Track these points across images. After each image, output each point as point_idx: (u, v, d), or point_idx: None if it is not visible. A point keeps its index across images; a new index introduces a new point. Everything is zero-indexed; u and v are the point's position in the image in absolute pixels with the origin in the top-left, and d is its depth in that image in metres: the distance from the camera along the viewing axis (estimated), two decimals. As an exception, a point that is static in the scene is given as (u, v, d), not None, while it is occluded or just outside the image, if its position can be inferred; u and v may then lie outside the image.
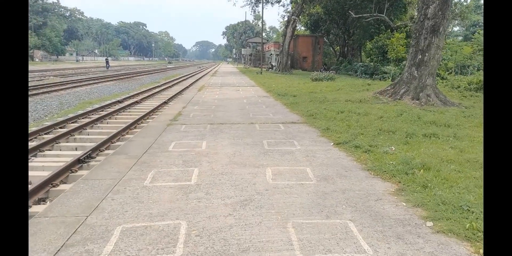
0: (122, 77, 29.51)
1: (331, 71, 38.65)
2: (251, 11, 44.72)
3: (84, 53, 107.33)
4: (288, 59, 36.89)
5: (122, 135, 7.36)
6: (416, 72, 10.96)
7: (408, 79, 11.15)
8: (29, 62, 62.48)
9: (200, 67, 62.03)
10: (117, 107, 12.30)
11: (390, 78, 23.70)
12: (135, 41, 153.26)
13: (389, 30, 31.31)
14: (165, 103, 13.23)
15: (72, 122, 9.06)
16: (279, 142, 5.71)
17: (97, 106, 12.56)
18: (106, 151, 6.20)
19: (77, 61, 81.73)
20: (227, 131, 6.58)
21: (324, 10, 44.09)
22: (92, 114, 10.65)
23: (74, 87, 19.45)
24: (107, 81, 25.03)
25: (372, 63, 33.82)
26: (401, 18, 35.21)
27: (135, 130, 7.96)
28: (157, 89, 18.92)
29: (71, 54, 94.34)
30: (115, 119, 10.19)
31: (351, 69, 35.69)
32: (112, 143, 6.69)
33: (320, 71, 46.41)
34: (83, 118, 9.92)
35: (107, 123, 9.43)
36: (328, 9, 43.44)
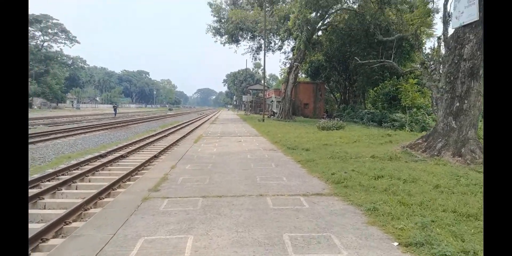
0: (117, 125, 27.92)
1: (335, 119, 37.16)
2: (252, 59, 44.78)
3: (85, 101, 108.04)
4: (290, 106, 35.75)
5: (66, 224, 5.05)
6: (454, 122, 9.12)
7: (445, 131, 9.27)
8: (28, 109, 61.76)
9: (200, 114, 61.21)
10: (96, 163, 10.34)
11: (408, 127, 21.99)
12: (137, 88, 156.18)
13: (395, 76, 30.52)
14: (155, 157, 11.24)
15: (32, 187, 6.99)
16: (310, 240, 3.57)
17: (74, 162, 10.61)
18: None
19: (76, 108, 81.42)
20: (227, 213, 4.48)
21: (325, 58, 44.22)
22: (62, 174, 8.63)
23: (60, 137, 17.60)
24: (99, 130, 23.32)
25: (377, 110, 32.56)
26: (405, 64, 34.78)
27: (92, 211, 5.72)
28: (151, 139, 17.11)
29: (72, 102, 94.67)
30: (87, 181, 8.12)
31: (356, 116, 34.33)
32: (43, 241, 4.39)
33: (323, 118, 45.37)
34: (47, 181, 7.86)
35: (77, 188, 7.32)
36: (329, 57, 43.55)
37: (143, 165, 9.66)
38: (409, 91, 21.26)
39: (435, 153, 8.98)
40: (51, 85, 77.52)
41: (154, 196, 5.29)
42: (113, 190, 7.04)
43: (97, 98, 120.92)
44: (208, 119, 40.61)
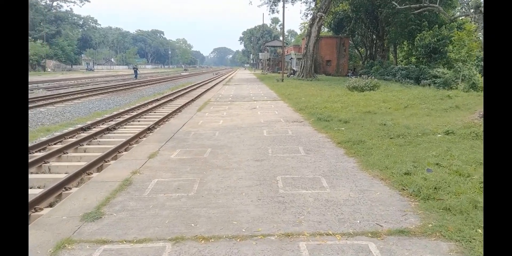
0: (122, 88, 25.47)
1: (362, 76, 33.26)
2: (269, 11, 40.12)
3: (100, 62, 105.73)
4: (312, 63, 32.04)
5: None
6: None
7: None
8: (40, 72, 60.33)
9: (215, 74, 58.03)
10: (69, 140, 8.05)
11: (461, 84, 18.44)
12: (152, 49, 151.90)
13: (436, 25, 26.01)
14: (139, 136, 8.69)
15: None
16: None
17: (44, 139, 8.32)
18: None
19: (90, 70, 79.38)
20: None
21: (352, 7, 39.13)
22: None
23: (53, 103, 15.34)
24: (102, 93, 20.93)
25: (413, 66, 28.50)
26: (446, 11, 29.83)
27: None
28: (153, 104, 14.65)
29: (88, 63, 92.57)
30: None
31: (387, 73, 30.38)
32: None
33: (348, 76, 41.37)
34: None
35: None
36: (355, 6, 38.47)
37: (117, 150, 7.13)
38: (464, 41, 17.28)
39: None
40: (63, 47, 75.07)
41: (78, 240, 2.73)
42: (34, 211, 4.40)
43: (112, 59, 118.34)
44: (223, 79, 37.60)
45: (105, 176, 4.36)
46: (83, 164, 6.12)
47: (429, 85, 21.66)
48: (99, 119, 11.27)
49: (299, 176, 4.17)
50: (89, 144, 8.27)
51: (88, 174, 5.86)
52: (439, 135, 5.97)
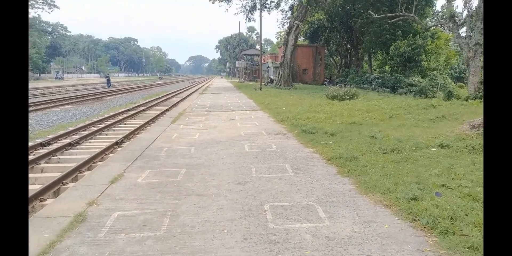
0: (91, 97, 24.17)
1: (338, 85, 33.27)
2: (246, 19, 39.86)
3: (71, 71, 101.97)
4: (290, 71, 31.85)
5: None
6: None
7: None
8: (4, 81, 56.96)
9: (191, 83, 57.00)
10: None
11: (439, 92, 18.55)
12: (125, 57, 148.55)
13: (411, 35, 26.46)
14: (105, 151, 7.84)
15: None
16: None
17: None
18: None
19: (59, 79, 76.23)
20: None
21: (327, 17, 39.56)
22: None
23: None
24: (70, 103, 19.64)
25: (388, 74, 28.82)
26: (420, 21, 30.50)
27: None
28: (124, 115, 13.76)
29: (57, 72, 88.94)
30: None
31: (362, 81, 30.59)
32: None
33: (325, 84, 41.58)
34: None
35: None
36: (331, 16, 38.92)
37: (78, 169, 6.28)
38: (441, 49, 17.43)
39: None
40: (30, 54, 71.76)
41: None
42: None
43: (83, 67, 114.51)
44: (199, 88, 36.77)
45: (55, 209, 3.56)
46: (37, 188, 5.28)
47: (406, 93, 21.82)
48: (62, 132, 10.29)
49: (291, 204, 3.54)
50: (48, 162, 7.37)
51: (41, 201, 5.02)
52: (433, 149, 5.53)
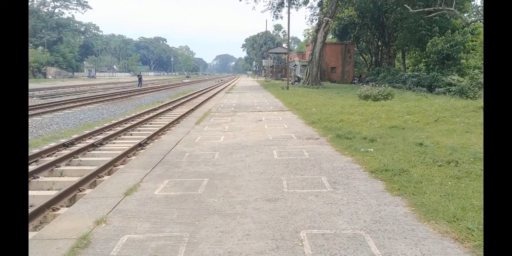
0: (120, 96, 24.34)
1: (370, 84, 31.78)
2: (273, 17, 39.09)
3: (103, 69, 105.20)
4: (318, 70, 30.85)
5: None
6: None
7: None
8: (40, 79, 59.46)
9: (217, 81, 57.04)
10: (43, 161, 6.91)
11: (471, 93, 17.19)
12: (155, 56, 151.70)
13: (449, 31, 24.81)
14: (128, 154, 7.47)
15: None
16: None
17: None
18: None
19: (91, 77, 78.63)
20: None
21: (358, 13, 38.15)
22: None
23: (39, 113, 14.14)
24: (98, 102, 19.78)
25: (424, 73, 27.24)
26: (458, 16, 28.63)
27: None
28: (150, 115, 13.61)
29: (90, 71, 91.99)
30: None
31: (396, 80, 29.10)
32: None
33: (354, 83, 40.17)
34: None
35: None
36: (362, 11, 37.49)
37: (96, 174, 5.89)
38: (479, 46, 16.05)
39: None
40: (64, 54, 74.43)
41: None
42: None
43: (115, 66, 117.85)
44: (225, 87, 36.49)
45: (58, 228, 3.09)
46: (52, 194, 4.94)
47: (444, 93, 20.40)
48: (87, 132, 10.11)
49: (333, 232, 2.88)
50: (68, 164, 7.09)
51: (53, 210, 4.63)
52: None
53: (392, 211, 3.28)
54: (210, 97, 21.67)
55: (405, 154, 5.11)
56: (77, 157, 7.38)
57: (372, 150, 5.49)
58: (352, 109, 10.91)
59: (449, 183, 3.86)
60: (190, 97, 22.53)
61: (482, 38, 24.25)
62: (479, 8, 41.55)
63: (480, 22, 20.38)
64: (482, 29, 26.30)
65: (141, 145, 8.10)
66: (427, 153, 5.11)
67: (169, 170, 4.84)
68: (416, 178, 4.04)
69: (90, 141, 8.75)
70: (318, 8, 35.12)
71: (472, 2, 34.42)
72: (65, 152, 7.66)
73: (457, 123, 7.66)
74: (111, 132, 9.95)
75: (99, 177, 5.89)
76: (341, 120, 8.62)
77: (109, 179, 4.62)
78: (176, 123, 11.47)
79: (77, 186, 5.33)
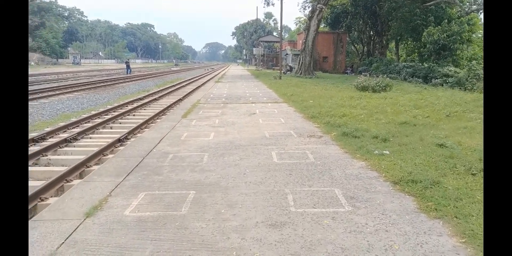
0: (103, 84, 23.07)
1: (363, 74, 31.03)
2: (264, 3, 37.66)
3: (88, 56, 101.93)
4: (311, 59, 29.93)
5: None
6: None
7: None
8: (21, 66, 56.79)
9: (207, 70, 55.59)
10: None
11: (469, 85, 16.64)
12: (142, 43, 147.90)
13: (446, 20, 24.08)
14: (104, 151, 6.58)
15: None
16: None
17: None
18: None
19: (76, 64, 75.95)
20: None
21: (351, 1, 37.10)
22: None
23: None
24: (76, 91, 18.54)
25: (419, 63, 26.57)
26: (453, 7, 27.84)
27: None
28: (134, 105, 12.65)
29: (75, 57, 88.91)
30: None
31: (389, 70, 28.40)
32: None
33: (347, 73, 39.41)
34: None
35: None
36: (355, 0, 36.43)
37: (64, 178, 4.99)
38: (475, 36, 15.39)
39: None
40: (47, 39, 71.58)
41: None
42: None
43: (100, 53, 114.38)
44: (215, 76, 35.32)
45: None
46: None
47: (441, 84, 19.81)
48: (62, 124, 9.14)
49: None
50: (36, 164, 6.19)
51: None
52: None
53: (437, 244, 2.49)
54: (199, 87, 20.62)
55: (428, 159, 4.33)
56: (46, 155, 6.45)
57: (387, 152, 4.70)
58: (353, 101, 10.09)
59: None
60: (178, 86, 21.44)
61: (475, 29, 23.63)
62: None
63: (481, 13, 19.72)
64: (477, 19, 25.69)
65: (120, 141, 7.19)
66: (454, 157, 4.34)
67: (147, 179, 3.96)
68: (453, 193, 3.25)
69: (64, 135, 7.80)
70: (312, -5, 33.90)
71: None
72: (34, 148, 6.71)
73: (473, 119, 6.93)
74: (89, 125, 8.99)
75: (67, 182, 4.99)
76: (344, 114, 7.80)
77: (70, 192, 3.70)
78: (162, 115, 10.53)
79: (38, 195, 4.43)
